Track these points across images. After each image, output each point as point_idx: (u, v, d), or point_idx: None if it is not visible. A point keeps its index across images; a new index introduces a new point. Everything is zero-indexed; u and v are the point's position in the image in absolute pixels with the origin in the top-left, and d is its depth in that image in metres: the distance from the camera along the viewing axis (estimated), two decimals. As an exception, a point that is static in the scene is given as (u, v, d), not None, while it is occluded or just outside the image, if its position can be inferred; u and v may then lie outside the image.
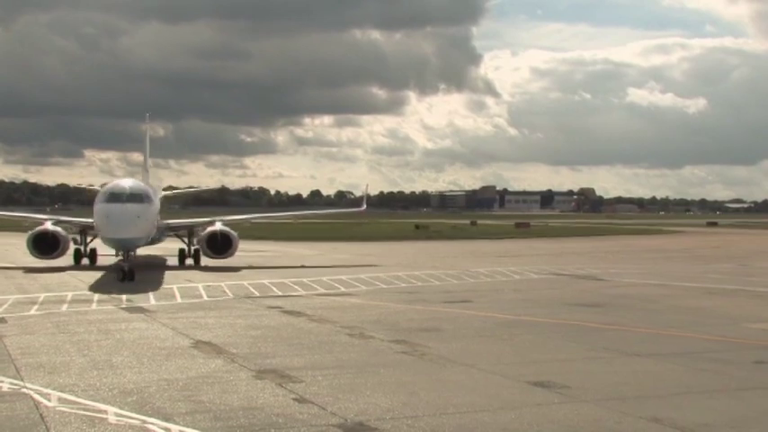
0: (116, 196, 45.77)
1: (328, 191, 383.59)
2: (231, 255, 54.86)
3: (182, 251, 59.15)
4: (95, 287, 40.69)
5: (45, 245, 52.37)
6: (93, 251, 57.34)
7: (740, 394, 19.03)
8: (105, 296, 36.58)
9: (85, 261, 56.75)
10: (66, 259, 54.77)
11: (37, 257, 52.38)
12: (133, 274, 43.08)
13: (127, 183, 49.40)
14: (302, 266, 51.70)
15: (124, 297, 36.16)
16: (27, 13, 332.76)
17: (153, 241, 54.28)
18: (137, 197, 46.25)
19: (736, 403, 18.17)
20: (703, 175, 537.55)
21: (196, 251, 57.74)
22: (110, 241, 45.60)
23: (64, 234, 53.55)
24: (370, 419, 16.05)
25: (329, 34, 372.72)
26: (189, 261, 57.79)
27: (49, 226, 53.85)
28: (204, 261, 56.36)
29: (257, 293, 38.41)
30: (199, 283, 43.19)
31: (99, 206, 45.82)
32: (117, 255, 47.03)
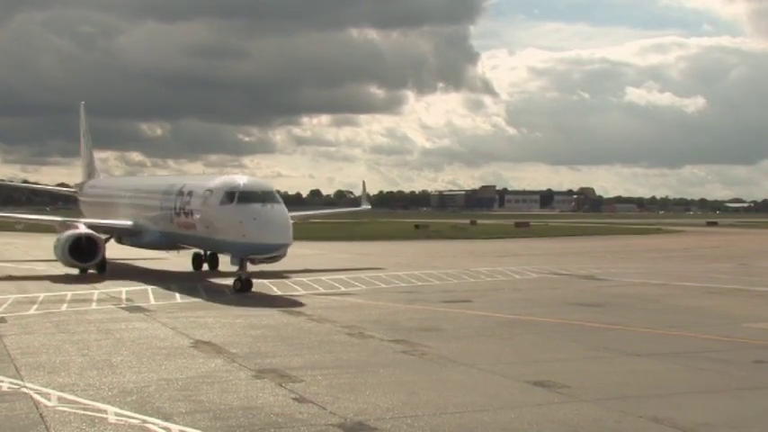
0: (249, 196, 39.33)
1: (327, 190, 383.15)
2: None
3: (198, 256, 52.39)
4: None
5: (81, 251, 46.13)
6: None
7: (740, 394, 19.05)
8: (105, 296, 36.55)
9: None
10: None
11: (72, 266, 46.29)
12: (251, 285, 38.62)
13: (251, 180, 42.40)
14: (306, 270, 51.53)
15: (124, 297, 36.17)
16: (22, 11, 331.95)
17: (158, 246, 50.67)
18: (273, 196, 39.92)
19: (736, 403, 18.18)
20: (703, 175, 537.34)
21: (213, 255, 51.17)
22: (257, 248, 37.95)
23: (100, 238, 47.52)
24: (369, 419, 16.05)
25: (326, 33, 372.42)
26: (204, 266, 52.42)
27: (83, 229, 47.86)
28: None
29: (257, 292, 38.31)
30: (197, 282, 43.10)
31: (227, 207, 39.08)
32: (234, 263, 39.24)
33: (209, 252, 50.45)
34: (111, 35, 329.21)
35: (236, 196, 39.40)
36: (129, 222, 51.47)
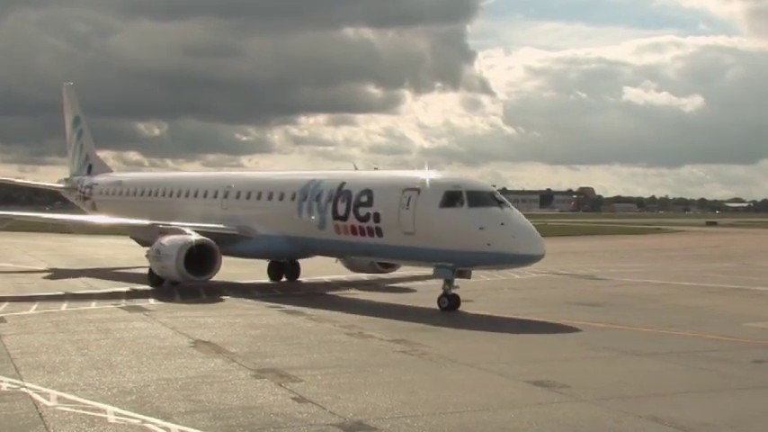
0: (479, 196, 33.17)
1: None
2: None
3: (277, 265, 45.67)
4: None
5: (195, 261, 38.01)
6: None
7: (740, 393, 19.06)
8: (104, 295, 36.52)
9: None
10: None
11: (187, 280, 38.39)
12: (459, 301, 33.31)
13: (465, 177, 35.94)
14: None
15: (124, 296, 36.21)
16: (16, 10, 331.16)
17: (272, 254, 43.35)
18: (502, 197, 33.81)
19: (735, 402, 18.19)
20: (702, 175, 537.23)
21: (295, 265, 45.58)
22: (510, 259, 32.18)
23: (216, 246, 38.86)
24: (369, 419, 16.04)
25: (322, 32, 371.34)
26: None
27: (194, 235, 39.41)
28: None
29: (257, 293, 38.32)
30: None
31: (455, 211, 32.56)
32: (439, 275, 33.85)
33: (291, 261, 44.72)
34: (107, 34, 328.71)
35: (463, 197, 32.95)
36: (230, 225, 42.73)
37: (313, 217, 38.84)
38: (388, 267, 42.59)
